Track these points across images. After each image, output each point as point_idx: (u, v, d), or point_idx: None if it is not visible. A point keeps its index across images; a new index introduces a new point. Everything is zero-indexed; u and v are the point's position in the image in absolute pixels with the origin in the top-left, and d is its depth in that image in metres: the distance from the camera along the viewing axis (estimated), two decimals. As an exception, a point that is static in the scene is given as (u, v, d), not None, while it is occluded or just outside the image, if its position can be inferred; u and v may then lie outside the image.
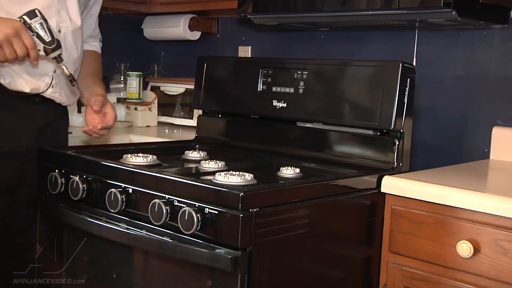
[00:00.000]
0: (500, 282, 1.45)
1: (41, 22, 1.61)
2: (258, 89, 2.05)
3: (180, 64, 3.14)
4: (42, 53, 1.62)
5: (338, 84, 1.89)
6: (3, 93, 1.72)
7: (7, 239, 1.80)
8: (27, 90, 1.73)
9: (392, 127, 1.74)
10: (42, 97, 1.78)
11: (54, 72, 1.78)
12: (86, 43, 1.98)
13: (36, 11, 1.62)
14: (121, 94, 2.91)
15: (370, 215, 1.67)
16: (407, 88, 1.75)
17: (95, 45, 2.05)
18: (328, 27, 2.46)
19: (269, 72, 2.04)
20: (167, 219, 1.45)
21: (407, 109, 1.75)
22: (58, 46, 1.65)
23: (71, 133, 2.30)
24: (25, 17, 1.60)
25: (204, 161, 1.79)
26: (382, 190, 1.65)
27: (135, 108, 2.78)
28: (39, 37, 1.61)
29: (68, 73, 1.70)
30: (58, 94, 1.82)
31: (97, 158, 1.75)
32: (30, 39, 1.57)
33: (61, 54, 1.66)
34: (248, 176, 1.51)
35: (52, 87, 1.79)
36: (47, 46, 1.62)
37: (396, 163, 1.75)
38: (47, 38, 1.62)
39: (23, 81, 1.72)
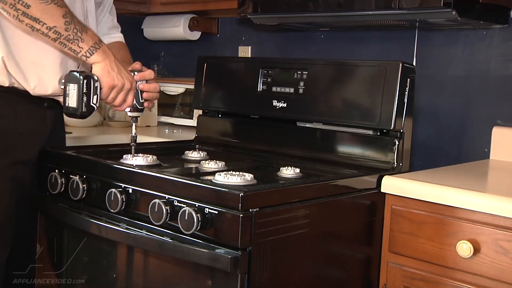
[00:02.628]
0: (500, 282, 1.45)
1: None
2: (258, 89, 2.05)
3: (180, 64, 3.14)
4: (128, 108, 1.74)
5: (338, 84, 1.89)
6: (22, 102, 1.72)
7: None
8: (48, 92, 1.74)
9: (392, 127, 1.74)
10: (51, 102, 1.79)
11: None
12: (108, 35, 1.95)
13: None
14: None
15: (370, 215, 1.67)
16: (407, 88, 1.75)
17: (119, 36, 2.01)
18: (328, 27, 2.46)
19: (269, 72, 2.04)
20: (167, 219, 1.45)
21: (407, 109, 1.75)
22: (142, 110, 1.79)
23: (71, 133, 2.30)
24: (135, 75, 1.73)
25: (204, 161, 1.79)
26: (382, 190, 1.65)
27: (135, 108, 2.77)
28: (136, 96, 1.74)
29: (134, 133, 1.81)
30: None
31: (97, 158, 1.75)
32: (132, 99, 1.71)
33: (139, 116, 1.80)
34: (248, 176, 1.50)
35: None
36: (137, 106, 1.75)
37: (396, 163, 1.75)
38: (141, 100, 1.76)
39: (50, 85, 1.72)
